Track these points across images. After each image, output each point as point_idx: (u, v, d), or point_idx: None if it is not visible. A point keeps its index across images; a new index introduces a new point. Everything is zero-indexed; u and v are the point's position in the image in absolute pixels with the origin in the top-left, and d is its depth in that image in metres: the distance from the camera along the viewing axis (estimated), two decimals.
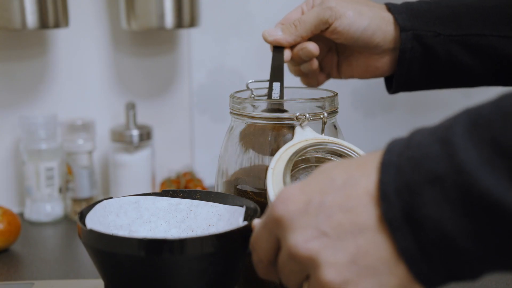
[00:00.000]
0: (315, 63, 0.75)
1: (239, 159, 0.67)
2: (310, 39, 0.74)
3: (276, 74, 0.70)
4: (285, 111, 0.65)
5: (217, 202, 0.62)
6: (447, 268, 0.39)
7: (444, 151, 0.38)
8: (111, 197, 0.61)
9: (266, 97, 0.69)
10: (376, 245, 0.40)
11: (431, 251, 0.39)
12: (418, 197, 0.39)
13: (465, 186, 0.37)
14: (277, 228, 0.44)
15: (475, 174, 0.37)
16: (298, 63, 0.75)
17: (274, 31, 0.72)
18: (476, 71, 0.73)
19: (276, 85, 0.69)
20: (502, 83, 0.76)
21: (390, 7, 0.73)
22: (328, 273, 0.41)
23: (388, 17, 0.72)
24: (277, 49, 0.73)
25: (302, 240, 0.42)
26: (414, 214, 0.39)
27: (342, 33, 0.72)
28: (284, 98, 0.68)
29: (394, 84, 0.75)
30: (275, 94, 0.68)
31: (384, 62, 0.75)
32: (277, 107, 0.66)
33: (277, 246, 0.46)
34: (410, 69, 0.73)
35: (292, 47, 0.73)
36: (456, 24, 0.72)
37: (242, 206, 0.60)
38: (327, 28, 0.72)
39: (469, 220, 0.37)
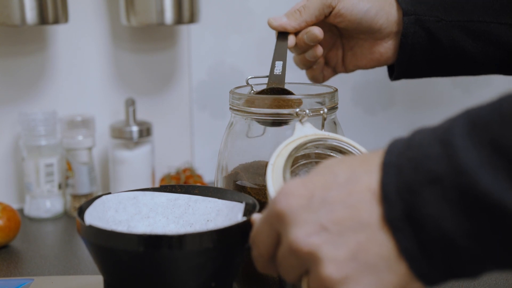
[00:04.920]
0: (319, 49, 0.75)
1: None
2: None
3: (279, 54, 0.70)
4: (287, 90, 0.65)
5: (215, 198, 0.62)
6: (447, 266, 0.39)
7: (444, 151, 0.39)
8: (110, 193, 0.61)
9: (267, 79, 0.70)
10: (377, 242, 0.40)
11: (431, 250, 0.39)
12: (418, 197, 0.39)
13: (464, 186, 0.37)
14: (278, 223, 0.44)
15: (474, 175, 0.37)
16: (303, 50, 0.76)
17: (279, 17, 0.74)
18: (478, 58, 0.74)
19: (279, 63, 0.69)
20: (503, 71, 0.77)
21: None
22: (328, 269, 0.41)
23: (391, 0, 0.73)
24: (282, 35, 0.74)
25: (303, 234, 0.42)
26: (415, 213, 0.39)
27: (345, 15, 0.73)
28: (286, 79, 0.68)
29: (396, 70, 0.76)
30: (277, 70, 0.68)
31: (388, 47, 0.75)
32: (279, 86, 0.66)
33: (278, 240, 0.46)
34: (412, 55, 0.74)
35: (296, 33, 0.74)
36: (458, 10, 0.72)
37: (241, 202, 0.60)
38: (330, 13, 0.73)
39: (469, 219, 0.38)
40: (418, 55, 0.74)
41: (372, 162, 0.42)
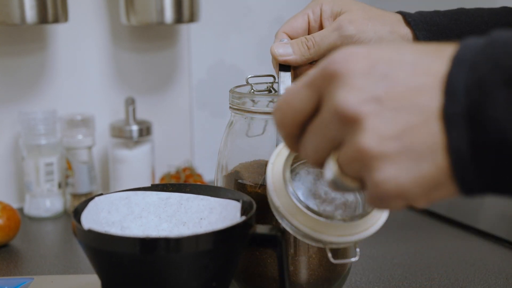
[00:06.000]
0: None
1: None
2: None
3: (284, 68, 0.67)
4: None
5: (207, 195, 0.62)
6: (495, 176, 0.37)
7: None
8: (102, 194, 0.61)
9: (266, 92, 0.69)
10: (428, 131, 0.38)
11: (483, 156, 0.36)
12: (488, 97, 0.36)
13: None
14: (328, 83, 0.40)
15: None
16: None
17: (284, 49, 0.68)
18: None
19: (286, 75, 0.67)
20: None
21: (409, 21, 0.69)
22: (369, 140, 0.38)
23: (407, 34, 0.68)
24: (284, 66, 0.69)
25: (354, 99, 0.39)
26: (479, 114, 0.36)
27: None
28: None
29: None
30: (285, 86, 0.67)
31: None
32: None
33: (314, 108, 0.42)
34: None
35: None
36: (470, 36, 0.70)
37: (236, 200, 0.59)
38: None
39: None
40: None
41: (444, 52, 0.39)
